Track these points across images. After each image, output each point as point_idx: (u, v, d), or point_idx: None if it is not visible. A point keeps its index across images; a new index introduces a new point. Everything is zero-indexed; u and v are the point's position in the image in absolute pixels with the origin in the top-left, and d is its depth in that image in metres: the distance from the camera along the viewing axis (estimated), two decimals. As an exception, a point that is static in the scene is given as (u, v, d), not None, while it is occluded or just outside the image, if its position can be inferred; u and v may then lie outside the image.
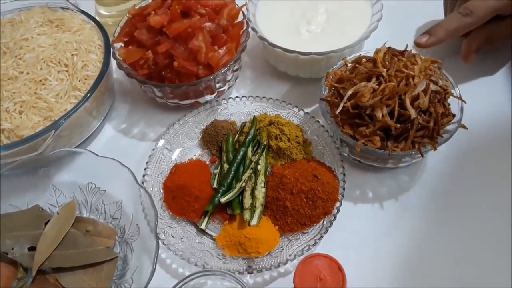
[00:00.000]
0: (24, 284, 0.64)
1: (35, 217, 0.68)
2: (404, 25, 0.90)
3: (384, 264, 0.64)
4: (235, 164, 0.71)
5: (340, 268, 0.54)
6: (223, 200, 0.66)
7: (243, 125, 0.77)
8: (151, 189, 0.70)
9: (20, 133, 0.69)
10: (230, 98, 0.80)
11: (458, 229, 0.66)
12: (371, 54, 0.71)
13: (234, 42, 0.77)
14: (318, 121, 0.75)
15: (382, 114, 0.63)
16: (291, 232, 0.65)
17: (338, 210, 0.65)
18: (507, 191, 0.68)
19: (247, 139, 0.74)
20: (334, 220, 0.64)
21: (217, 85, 0.79)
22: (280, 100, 0.78)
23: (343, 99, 0.66)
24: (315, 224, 0.65)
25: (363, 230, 0.67)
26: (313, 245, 0.63)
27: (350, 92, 0.65)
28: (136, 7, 0.78)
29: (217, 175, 0.72)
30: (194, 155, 0.76)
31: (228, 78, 0.80)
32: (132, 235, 0.65)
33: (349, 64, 0.73)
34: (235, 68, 0.80)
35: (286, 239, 0.65)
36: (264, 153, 0.72)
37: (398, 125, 0.63)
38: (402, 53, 0.69)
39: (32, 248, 0.64)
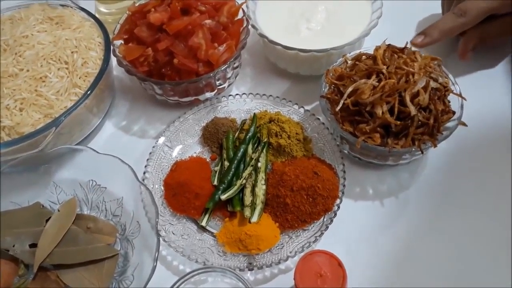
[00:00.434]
0: (25, 281, 0.64)
1: (36, 214, 0.68)
2: (404, 22, 0.90)
3: (384, 261, 0.64)
4: (235, 162, 0.71)
5: (340, 265, 0.55)
6: (223, 197, 0.66)
7: (243, 122, 0.77)
8: (152, 186, 0.70)
9: (20, 130, 0.69)
10: (230, 95, 0.80)
11: (458, 226, 0.66)
12: (371, 52, 0.71)
13: (234, 40, 0.77)
14: (318, 119, 0.75)
15: (382, 111, 0.63)
16: (292, 229, 0.65)
17: (339, 207, 0.65)
18: (507, 188, 0.68)
19: (248, 137, 0.74)
20: (334, 217, 0.64)
21: (217, 83, 0.79)
22: (280, 98, 0.78)
23: (343, 96, 0.66)
24: (315, 221, 0.65)
25: (363, 227, 0.67)
26: (314, 241, 0.63)
27: (350, 89, 0.65)
28: (136, 4, 0.78)
29: (217, 172, 0.72)
30: (195, 153, 0.76)
31: (228, 75, 0.80)
32: (133, 232, 0.65)
33: (349, 61, 0.73)
34: (235, 65, 0.80)
35: (287, 236, 0.65)
36: (264, 151, 0.72)
37: (398, 122, 0.63)
38: (402, 50, 0.69)
39: (33, 245, 0.64)
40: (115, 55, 0.77)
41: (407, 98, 0.63)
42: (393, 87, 0.63)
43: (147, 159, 0.72)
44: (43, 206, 0.69)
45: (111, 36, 0.79)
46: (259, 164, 0.71)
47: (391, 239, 0.65)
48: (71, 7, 0.84)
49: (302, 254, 0.58)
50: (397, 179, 0.71)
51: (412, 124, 0.63)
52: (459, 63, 0.80)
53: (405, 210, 0.68)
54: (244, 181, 0.69)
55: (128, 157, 0.68)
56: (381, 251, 0.65)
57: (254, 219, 0.65)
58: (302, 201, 0.65)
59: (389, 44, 0.69)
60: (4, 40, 0.76)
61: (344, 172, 0.68)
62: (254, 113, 0.77)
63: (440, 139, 0.65)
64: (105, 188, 0.69)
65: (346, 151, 0.73)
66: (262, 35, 0.78)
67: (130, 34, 0.77)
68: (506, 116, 0.76)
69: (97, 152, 0.68)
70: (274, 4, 0.84)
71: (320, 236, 0.63)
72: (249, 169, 0.70)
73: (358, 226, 0.67)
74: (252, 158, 0.71)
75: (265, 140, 0.73)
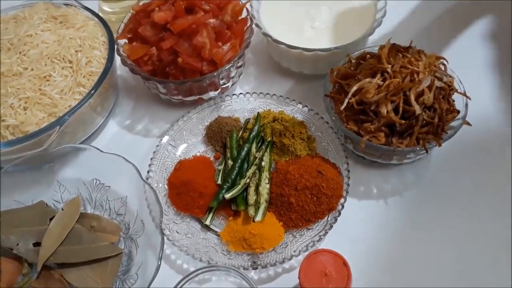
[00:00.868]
0: (29, 280, 0.64)
1: (39, 213, 0.68)
2: (407, 21, 0.90)
3: (389, 260, 0.64)
4: (239, 161, 0.71)
5: (345, 264, 0.54)
6: (227, 196, 0.66)
7: (247, 121, 0.77)
8: (156, 185, 0.70)
9: (24, 129, 0.69)
10: (234, 94, 0.80)
11: (462, 225, 0.66)
12: (375, 51, 0.71)
13: (238, 39, 0.77)
14: (322, 118, 0.74)
15: (387, 110, 0.63)
16: (296, 228, 0.65)
17: (343, 206, 0.65)
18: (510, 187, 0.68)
19: (251, 136, 0.74)
20: (338, 216, 0.64)
21: (221, 82, 0.78)
22: (284, 97, 0.78)
23: (347, 95, 0.66)
24: (319, 220, 0.65)
25: (367, 226, 0.67)
26: (318, 241, 0.63)
27: (355, 88, 0.65)
28: (140, 3, 0.78)
29: (221, 171, 0.72)
30: (198, 152, 0.76)
31: (232, 74, 0.80)
32: (137, 231, 0.65)
33: (353, 61, 0.73)
34: (239, 64, 0.80)
35: (291, 235, 0.65)
36: (268, 150, 0.72)
37: (403, 121, 0.63)
38: (406, 49, 0.69)
39: (37, 244, 0.64)
40: (119, 54, 0.77)
41: (412, 97, 0.63)
42: (398, 86, 0.63)
43: (151, 158, 0.72)
44: (46, 205, 0.69)
45: (115, 35, 0.79)
46: (263, 163, 0.71)
47: (396, 238, 0.65)
48: (75, 6, 0.84)
49: (307, 253, 0.58)
50: (401, 178, 0.71)
51: (417, 123, 0.63)
52: (463, 61, 0.79)
53: (409, 209, 0.68)
54: (248, 180, 0.69)
55: (132, 156, 0.68)
56: (386, 250, 0.64)
57: (258, 218, 0.65)
58: (307, 200, 0.65)
59: (394, 43, 0.69)
60: (8, 39, 0.76)
61: (348, 171, 0.68)
62: (258, 112, 0.76)
63: (445, 138, 0.65)
64: (109, 187, 0.69)
65: (350, 150, 0.72)
66: (266, 34, 0.78)
67: (134, 33, 0.77)
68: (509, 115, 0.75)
69: (101, 151, 0.68)
70: (278, 3, 0.84)
71: (324, 235, 0.63)
72: (253, 168, 0.70)
73: (362, 225, 0.67)
74: (256, 157, 0.71)
75: (269, 139, 0.73)
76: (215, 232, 0.67)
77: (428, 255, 0.64)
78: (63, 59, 0.74)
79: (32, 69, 0.73)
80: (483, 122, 0.73)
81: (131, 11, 0.79)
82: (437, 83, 0.65)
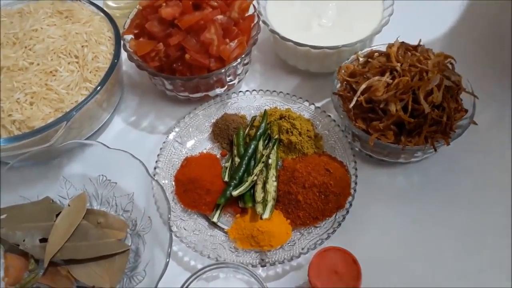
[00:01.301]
0: (36, 276, 0.63)
1: (45, 209, 0.67)
2: (414, 20, 0.89)
3: (396, 258, 0.64)
4: (246, 158, 0.71)
5: (355, 261, 0.54)
6: (235, 193, 0.66)
7: (254, 119, 0.77)
8: (162, 182, 0.70)
9: (31, 124, 0.68)
10: (240, 91, 0.79)
11: (469, 223, 0.66)
12: (382, 49, 0.71)
13: (245, 35, 0.77)
14: (329, 116, 0.74)
15: (396, 109, 0.63)
16: (303, 226, 0.65)
17: (351, 205, 0.65)
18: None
19: (258, 133, 0.73)
20: (346, 214, 0.64)
21: (228, 79, 0.78)
22: (291, 94, 0.78)
23: (355, 93, 0.66)
24: (327, 218, 0.65)
25: (374, 224, 0.67)
26: (326, 238, 0.63)
27: (364, 86, 0.65)
28: (147, -1, 0.78)
29: (228, 168, 0.72)
30: (205, 149, 0.75)
31: (239, 71, 0.79)
32: (144, 228, 0.65)
33: (361, 59, 0.73)
34: (245, 61, 0.79)
35: (298, 233, 0.65)
36: (275, 147, 0.72)
37: (412, 120, 0.63)
38: (415, 47, 0.69)
39: (44, 240, 0.64)
40: (125, 50, 0.76)
41: (421, 96, 0.63)
42: (408, 84, 0.63)
43: (158, 155, 0.72)
44: (52, 201, 0.69)
45: (120, 31, 0.79)
46: (270, 161, 0.70)
47: (404, 237, 0.65)
48: (80, 1, 0.84)
49: (315, 251, 0.57)
50: (408, 177, 0.71)
51: (425, 122, 0.63)
52: (471, 61, 0.80)
53: (416, 207, 0.68)
54: (255, 177, 0.68)
55: (137, 152, 0.67)
56: (393, 248, 0.64)
57: (266, 215, 0.64)
58: (314, 198, 0.65)
59: (403, 42, 0.69)
60: (14, 33, 0.75)
61: (356, 169, 0.68)
62: (265, 110, 0.76)
63: (453, 137, 0.65)
64: (116, 183, 0.69)
65: (357, 149, 0.72)
66: (273, 31, 0.78)
67: (141, 29, 0.76)
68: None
69: (108, 147, 0.68)
70: (285, 0, 0.83)
71: (332, 233, 0.63)
72: (260, 165, 0.70)
73: (369, 223, 0.67)
74: (263, 155, 0.71)
75: (276, 136, 0.73)
76: (222, 230, 0.67)
77: (435, 251, 0.64)
78: (69, 54, 0.74)
79: (38, 64, 0.72)
80: (489, 121, 0.73)
81: (137, 6, 0.79)
82: (445, 82, 0.65)
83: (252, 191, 0.68)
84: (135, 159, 0.66)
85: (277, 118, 0.75)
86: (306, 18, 0.81)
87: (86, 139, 0.77)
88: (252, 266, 0.61)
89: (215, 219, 0.67)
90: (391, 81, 0.64)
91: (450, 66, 0.69)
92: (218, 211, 0.67)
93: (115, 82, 0.77)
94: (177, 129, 0.75)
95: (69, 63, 0.73)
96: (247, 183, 0.67)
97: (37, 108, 0.69)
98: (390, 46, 0.68)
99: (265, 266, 0.62)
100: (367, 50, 0.74)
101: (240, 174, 0.69)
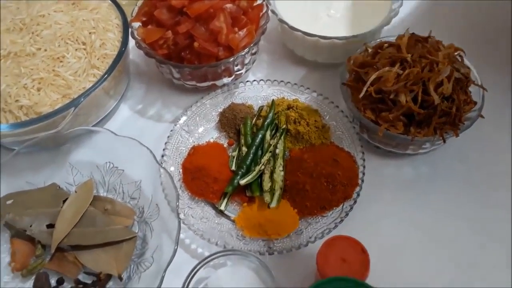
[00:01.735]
0: (42, 261, 0.63)
1: (52, 195, 0.67)
2: (422, 11, 0.89)
3: (404, 248, 0.64)
4: (254, 147, 0.71)
5: (364, 250, 0.54)
6: (242, 182, 0.66)
7: (261, 109, 0.77)
8: (170, 169, 0.69)
9: (38, 110, 0.68)
10: (247, 81, 0.79)
11: (477, 214, 0.66)
12: (391, 40, 0.71)
13: (254, 25, 0.76)
14: (337, 106, 0.74)
15: (406, 100, 0.63)
16: (311, 215, 0.65)
17: (359, 195, 0.65)
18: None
19: (266, 123, 0.73)
20: (354, 204, 0.64)
21: (236, 68, 0.78)
22: (298, 85, 0.78)
23: (365, 84, 0.66)
24: (334, 208, 0.65)
25: (382, 215, 0.67)
26: (333, 228, 0.63)
27: (374, 76, 0.65)
28: (155, -13, 0.77)
29: (235, 157, 0.71)
30: (212, 138, 0.75)
31: (247, 61, 0.79)
32: (152, 215, 0.65)
33: (370, 50, 0.72)
34: (253, 51, 0.79)
35: (306, 222, 0.65)
36: (282, 137, 0.72)
37: (422, 111, 0.63)
38: (425, 39, 0.69)
39: (51, 226, 0.64)
40: (133, 37, 0.76)
41: (431, 87, 0.62)
42: (418, 75, 0.63)
43: (165, 143, 0.72)
44: (59, 187, 0.69)
45: (128, 18, 0.78)
46: (277, 151, 0.70)
47: (411, 227, 0.65)
48: (87, -12, 0.83)
49: (323, 240, 0.57)
50: (416, 168, 0.71)
51: (435, 113, 0.63)
52: (480, 53, 0.79)
53: (424, 199, 0.68)
54: (262, 167, 0.68)
55: (144, 140, 0.67)
56: (401, 239, 0.65)
57: (274, 204, 0.65)
58: (322, 188, 0.65)
59: (413, 33, 0.69)
60: (21, 18, 0.75)
61: (364, 160, 0.68)
62: (273, 99, 0.76)
63: (462, 129, 0.65)
64: (123, 170, 0.69)
65: (365, 139, 0.72)
66: (282, 21, 0.78)
67: (149, 17, 0.76)
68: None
69: (115, 134, 0.67)
70: (293, -10, 0.83)
71: (340, 222, 0.63)
72: (268, 155, 0.69)
73: (376, 214, 0.67)
74: (271, 144, 0.71)
75: (284, 126, 0.73)
76: (229, 218, 0.67)
77: (442, 244, 0.64)
78: (77, 40, 0.73)
79: (46, 50, 0.71)
80: (497, 113, 0.73)
81: (146, -6, 0.78)
82: (455, 74, 0.65)
83: (259, 180, 0.68)
84: (142, 147, 0.66)
85: (285, 108, 0.75)
86: (314, 9, 0.81)
87: (93, 126, 0.76)
88: (260, 254, 0.61)
89: (222, 207, 0.67)
90: (401, 71, 0.64)
91: (459, 58, 0.69)
92: (226, 200, 0.67)
93: (122, 69, 0.76)
94: (184, 118, 0.75)
95: (76, 49, 0.73)
96: (254, 172, 0.67)
97: (44, 94, 0.69)
98: (400, 37, 0.68)
99: (273, 253, 0.62)
100: (376, 41, 0.74)
101: (248, 163, 0.69)
